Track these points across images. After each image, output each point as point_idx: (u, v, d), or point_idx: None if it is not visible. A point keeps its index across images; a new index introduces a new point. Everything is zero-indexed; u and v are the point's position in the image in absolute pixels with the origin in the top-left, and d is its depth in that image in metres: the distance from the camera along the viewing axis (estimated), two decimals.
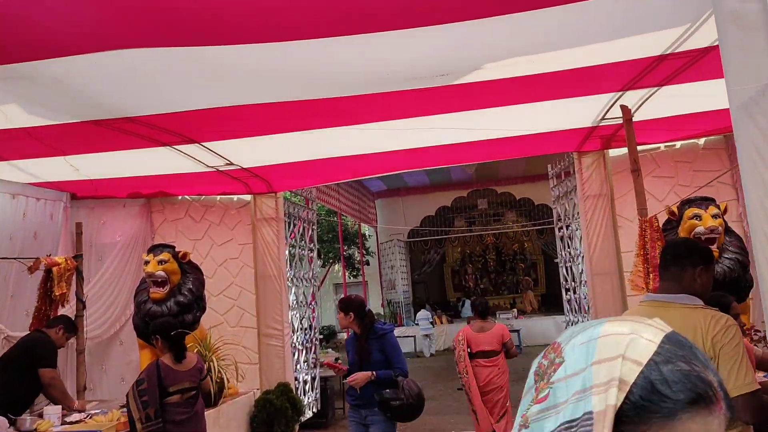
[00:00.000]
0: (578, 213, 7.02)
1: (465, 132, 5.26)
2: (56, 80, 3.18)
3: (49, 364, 4.65)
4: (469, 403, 5.88)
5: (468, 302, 19.72)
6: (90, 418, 4.36)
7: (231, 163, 5.69)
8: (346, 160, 5.93)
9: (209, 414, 5.31)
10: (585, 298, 6.92)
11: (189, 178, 6.29)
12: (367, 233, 21.19)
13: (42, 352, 4.68)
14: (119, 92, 3.49)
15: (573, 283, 7.36)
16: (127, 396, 4.16)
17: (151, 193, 6.97)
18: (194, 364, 4.48)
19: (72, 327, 5.08)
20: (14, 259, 5.25)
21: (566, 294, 7.65)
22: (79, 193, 6.84)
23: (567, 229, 7.43)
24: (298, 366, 7.62)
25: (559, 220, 7.59)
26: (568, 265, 7.46)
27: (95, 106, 3.57)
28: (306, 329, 8.07)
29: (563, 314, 16.45)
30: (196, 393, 4.44)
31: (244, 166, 5.92)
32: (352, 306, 4.39)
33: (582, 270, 6.93)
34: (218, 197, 7.15)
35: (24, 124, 3.77)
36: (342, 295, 20.07)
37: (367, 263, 20.18)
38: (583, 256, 6.81)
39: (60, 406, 4.48)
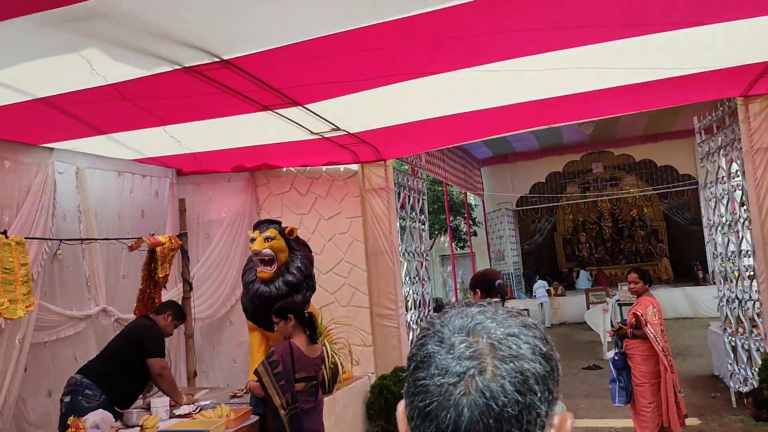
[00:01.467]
0: (737, 171, 5.96)
1: (604, 75, 4.42)
2: (133, 15, 2.72)
3: (157, 354, 4.37)
4: (652, 395, 4.91)
5: (583, 273, 18.55)
6: (199, 411, 4.04)
7: (337, 128, 5.16)
8: (462, 119, 5.23)
9: (325, 400, 4.91)
10: (746, 268, 5.89)
11: (293, 147, 5.84)
12: (473, 203, 20.42)
13: (150, 340, 4.40)
14: (207, 24, 2.98)
15: (725, 251, 6.32)
16: (259, 377, 3.83)
17: (255, 166, 6.62)
18: (320, 352, 4.09)
19: (181, 314, 4.80)
20: (116, 239, 5.02)
21: (719, 263, 6.61)
22: (184, 168, 6.62)
23: (719, 190, 6.36)
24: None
25: (711, 180, 6.52)
26: (723, 231, 6.40)
27: (181, 45, 3.09)
28: (419, 306, 7.54)
29: (694, 285, 15.06)
30: (317, 384, 4.04)
31: (351, 132, 5.37)
32: (477, 282, 3.74)
33: (743, 237, 5.89)
34: (324, 168, 6.69)
35: (113, 78, 3.37)
36: (449, 268, 19.48)
37: (475, 234, 19.42)
38: (745, 221, 5.76)
39: (167, 398, 4.19)
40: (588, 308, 14.10)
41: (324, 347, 5.10)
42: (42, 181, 4.87)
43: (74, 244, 5.21)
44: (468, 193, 18.12)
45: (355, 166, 6.57)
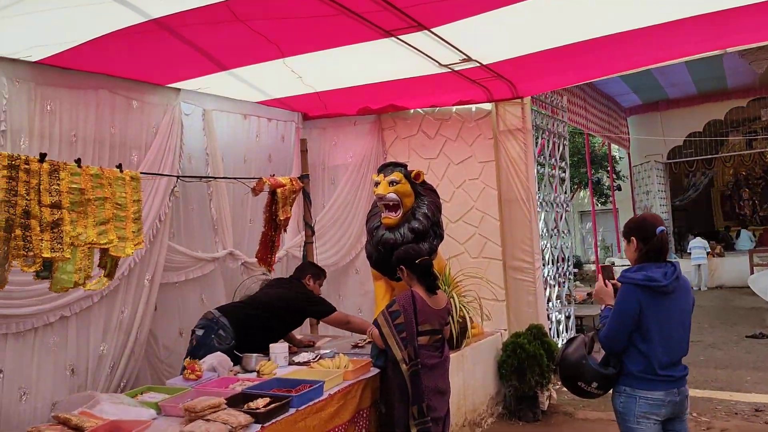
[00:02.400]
0: None
1: None
2: None
3: (330, 309, 4.44)
4: None
5: (744, 233, 16.63)
6: (318, 359, 3.81)
7: (468, 59, 4.62)
8: (614, 41, 4.47)
9: (452, 356, 4.54)
10: None
11: (421, 84, 5.38)
12: (617, 155, 18.87)
13: (313, 306, 4.43)
14: None
15: None
16: (379, 328, 3.58)
17: (381, 108, 6.25)
18: (444, 304, 3.71)
19: (319, 273, 4.75)
20: (235, 179, 4.87)
21: None
22: (310, 112, 6.40)
23: None
24: (550, 304, 6.52)
25: None
26: None
27: None
28: (557, 261, 6.90)
29: None
30: (442, 338, 3.67)
31: (484, 63, 4.80)
32: (632, 228, 2.95)
33: None
34: (454, 108, 6.18)
35: None
36: (589, 224, 18.24)
37: (618, 188, 17.98)
38: None
39: (286, 345, 4.00)
40: (752, 272, 12.66)
41: (452, 300, 4.70)
42: (169, 122, 4.83)
43: (197, 184, 5.15)
44: (612, 145, 16.71)
45: (488, 106, 6.00)
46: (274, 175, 4.95)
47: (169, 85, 4.86)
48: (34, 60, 3.87)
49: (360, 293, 6.47)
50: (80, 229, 2.96)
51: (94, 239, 3.03)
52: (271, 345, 3.93)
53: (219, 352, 3.69)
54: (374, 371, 3.70)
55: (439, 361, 3.63)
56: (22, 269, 2.73)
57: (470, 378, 4.95)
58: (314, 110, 6.34)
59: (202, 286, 5.16)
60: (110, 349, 4.32)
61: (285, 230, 5.00)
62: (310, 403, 3.04)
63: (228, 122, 5.57)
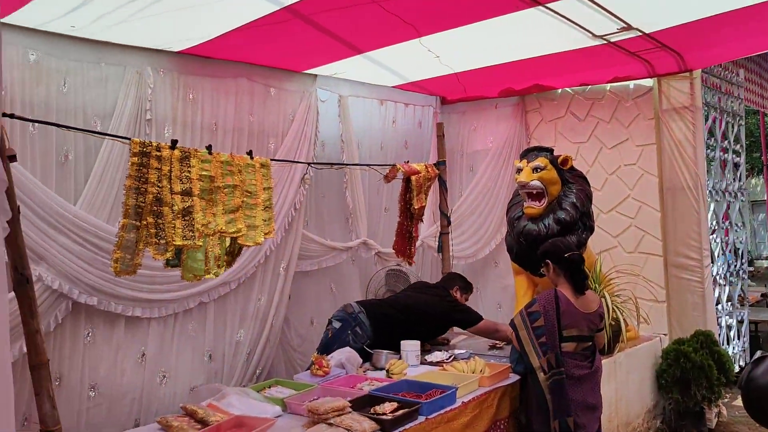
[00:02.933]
0: None
1: None
2: None
3: (475, 320, 4.17)
4: None
5: None
6: (452, 360, 3.53)
7: (628, 27, 4.06)
8: None
9: (603, 363, 4.07)
10: None
11: (570, 60, 4.87)
12: None
13: (460, 313, 4.19)
14: None
15: None
16: (516, 330, 3.26)
17: (525, 89, 5.79)
18: (596, 307, 3.27)
19: (466, 286, 4.55)
20: (369, 165, 4.69)
21: None
22: (448, 95, 6.10)
23: None
24: (719, 306, 5.72)
25: None
26: None
27: None
28: (729, 258, 6.04)
29: None
30: (592, 346, 3.24)
31: (647, 31, 4.20)
32: None
33: None
34: (608, 86, 5.56)
35: None
36: (762, 215, 16.26)
37: None
38: None
39: (418, 342, 3.74)
40: None
41: (603, 300, 4.20)
42: (305, 108, 4.77)
43: (331, 172, 5.05)
44: None
45: (648, 82, 5.32)
46: (408, 161, 4.72)
47: (306, 72, 4.80)
48: (176, 50, 3.93)
49: (499, 287, 6.09)
50: (209, 218, 2.91)
51: (223, 228, 2.98)
52: (402, 342, 3.71)
53: (348, 348, 3.53)
54: (514, 378, 3.36)
55: (588, 372, 3.20)
56: (154, 257, 2.72)
57: (624, 388, 4.42)
58: (453, 93, 6.03)
59: (333, 276, 5.08)
60: (247, 336, 4.35)
61: (421, 220, 4.75)
62: (441, 411, 2.78)
63: (364, 108, 5.43)
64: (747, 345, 6.18)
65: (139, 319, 3.71)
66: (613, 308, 4.27)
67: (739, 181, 6.37)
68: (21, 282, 2.14)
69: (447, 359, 3.59)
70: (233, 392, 2.86)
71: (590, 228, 4.51)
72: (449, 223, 5.06)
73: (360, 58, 4.64)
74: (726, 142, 6.13)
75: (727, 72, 6.11)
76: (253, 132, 4.46)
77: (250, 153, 3.31)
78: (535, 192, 4.41)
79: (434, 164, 4.92)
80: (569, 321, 3.15)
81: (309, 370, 3.31)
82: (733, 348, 5.88)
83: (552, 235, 4.35)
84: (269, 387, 3.12)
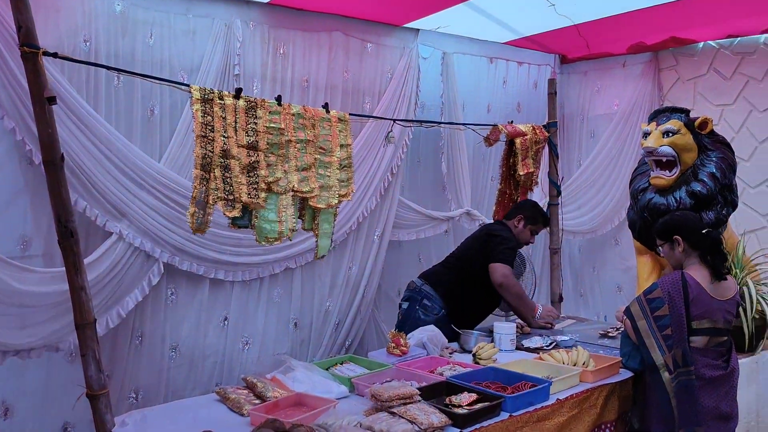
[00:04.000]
0: None
1: None
2: None
3: (499, 258, 3.56)
4: None
5: None
6: (552, 347, 3.07)
7: None
8: None
9: (742, 362, 3.44)
10: None
11: (714, 6, 4.15)
12: None
13: (496, 245, 3.60)
14: None
15: None
16: (632, 319, 2.72)
17: (659, 43, 5.04)
18: (733, 293, 2.69)
19: (535, 217, 3.84)
20: (466, 125, 4.24)
21: None
22: (569, 53, 5.50)
23: None
24: None
25: None
26: None
27: None
28: None
29: None
30: (728, 342, 2.67)
31: None
32: None
33: None
34: (762, 38, 4.68)
35: None
36: None
37: None
38: None
39: (514, 325, 3.31)
40: None
41: (745, 289, 3.53)
42: (405, 66, 4.43)
43: (432, 136, 4.71)
44: None
45: None
46: (512, 122, 4.22)
47: (407, 26, 4.43)
48: (266, 1, 3.72)
49: (620, 269, 5.44)
50: (280, 174, 2.66)
51: (296, 185, 2.72)
52: (496, 324, 3.30)
53: (432, 326, 3.19)
54: (625, 374, 2.84)
55: (723, 373, 2.63)
56: (224, 213, 2.53)
57: (766, 392, 3.73)
58: (574, 51, 5.42)
59: (434, 246, 4.74)
60: (336, 305, 4.15)
61: (531, 189, 4.26)
62: (530, 409, 2.36)
63: (470, 67, 4.99)
64: None
65: (222, 282, 3.60)
66: (758, 299, 3.58)
67: None
68: (65, 235, 2.00)
69: (547, 346, 3.14)
70: (301, 366, 2.63)
71: (733, 204, 3.81)
72: (559, 192, 4.51)
73: (466, 8, 4.20)
74: None
75: None
76: (347, 90, 4.20)
77: (325, 106, 3.02)
78: (664, 160, 3.77)
79: (544, 126, 4.38)
80: (701, 310, 2.59)
81: (386, 349, 3.01)
82: None
83: (685, 210, 3.73)
84: (342, 363, 2.86)
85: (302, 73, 3.96)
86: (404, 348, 2.90)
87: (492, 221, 4.21)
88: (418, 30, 4.50)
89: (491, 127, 3.99)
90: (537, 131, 4.16)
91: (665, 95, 5.24)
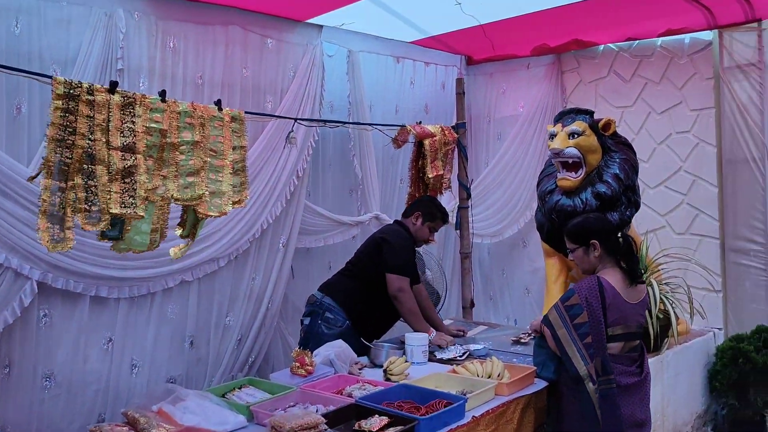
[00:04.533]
0: None
1: None
2: None
3: (395, 268, 3.37)
4: None
5: None
6: (466, 357, 2.94)
7: None
8: None
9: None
10: None
11: (616, 9, 4.20)
12: None
13: (390, 250, 3.41)
14: None
15: None
16: (552, 329, 2.61)
17: (562, 45, 5.09)
18: (643, 295, 2.65)
19: (433, 213, 3.67)
20: (372, 125, 4.07)
21: None
22: (475, 55, 5.46)
23: None
24: None
25: None
26: None
27: None
28: None
29: None
30: (640, 346, 2.63)
31: None
32: None
33: None
34: (659, 41, 4.82)
35: None
36: None
37: None
38: None
39: (426, 336, 3.16)
40: None
41: (649, 289, 3.57)
42: (309, 64, 4.20)
43: (338, 137, 4.52)
44: None
45: (707, 35, 4.57)
46: (421, 122, 4.09)
47: (310, 21, 4.21)
48: None
49: (528, 271, 5.46)
50: (157, 181, 2.35)
51: (175, 194, 2.42)
52: (407, 335, 3.14)
53: (339, 341, 2.98)
54: (540, 384, 2.75)
55: (638, 380, 2.59)
56: (83, 227, 2.19)
57: (671, 391, 3.79)
58: (480, 52, 5.39)
59: (345, 252, 4.54)
60: (237, 320, 3.85)
61: (441, 192, 4.13)
62: (445, 430, 2.21)
63: (377, 66, 4.84)
64: None
65: (105, 299, 3.22)
66: (661, 298, 3.63)
67: None
68: None
69: (461, 356, 3.01)
70: (192, 395, 2.34)
71: (636, 204, 3.86)
72: (469, 195, 4.43)
73: (371, 5, 4.04)
74: None
75: None
76: (246, 88, 3.93)
77: (218, 103, 2.74)
78: (570, 161, 3.77)
79: (452, 127, 4.28)
80: (616, 316, 2.53)
81: (290, 369, 2.77)
82: None
83: (590, 212, 3.73)
84: (240, 388, 2.59)
85: (195, 69, 3.65)
86: (310, 367, 2.67)
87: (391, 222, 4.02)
88: (322, 26, 4.29)
89: (399, 127, 3.83)
90: (446, 132, 4.05)
91: (568, 97, 5.31)
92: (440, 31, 4.79)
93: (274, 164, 3.94)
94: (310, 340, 3.26)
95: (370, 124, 4.12)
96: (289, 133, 3.41)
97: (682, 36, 4.68)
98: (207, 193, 2.51)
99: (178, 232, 2.76)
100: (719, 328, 4.41)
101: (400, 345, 3.16)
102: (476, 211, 5.11)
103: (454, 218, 4.53)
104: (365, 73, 4.66)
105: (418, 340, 3.04)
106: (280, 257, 4.06)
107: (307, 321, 3.41)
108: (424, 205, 3.73)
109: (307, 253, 4.38)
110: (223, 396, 2.51)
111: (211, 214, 2.55)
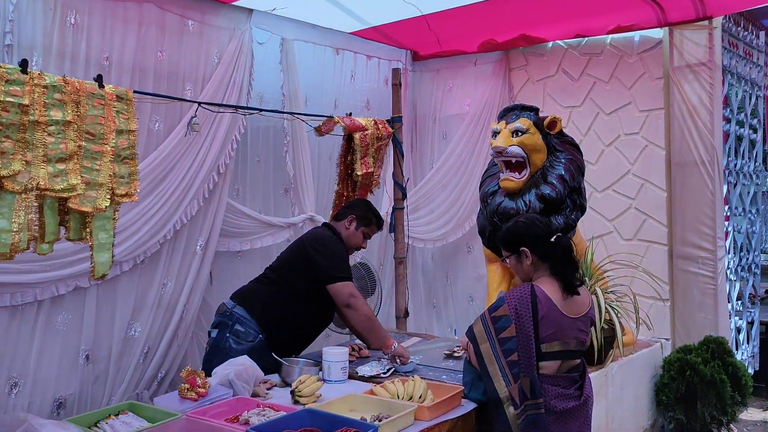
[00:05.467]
0: None
1: None
2: None
3: (336, 275, 3.02)
4: None
5: None
6: (390, 373, 2.63)
7: None
8: None
9: (592, 377, 3.21)
10: None
11: (565, 4, 3.97)
12: None
13: (324, 256, 3.05)
14: None
15: None
16: (474, 342, 2.31)
17: (510, 41, 4.85)
18: (586, 308, 2.37)
19: (369, 218, 3.33)
20: (293, 114, 3.73)
21: None
22: (421, 50, 5.19)
23: None
24: (729, 306, 4.86)
25: None
26: None
27: None
28: (743, 250, 5.18)
29: None
30: (581, 366, 2.34)
31: None
32: None
33: None
34: (609, 38, 4.62)
35: None
36: None
37: None
38: None
39: (346, 351, 2.82)
40: None
41: (594, 298, 3.33)
42: (236, 50, 3.84)
43: (271, 131, 4.18)
44: None
45: (658, 33, 4.39)
46: (351, 114, 3.77)
47: (237, 4, 3.86)
48: None
49: (473, 277, 5.20)
50: (17, 166, 1.97)
51: (44, 182, 2.04)
52: (324, 349, 2.79)
53: (244, 357, 2.61)
54: (468, 406, 2.45)
55: (577, 404, 2.29)
56: None
57: (616, 406, 3.56)
58: (426, 47, 5.12)
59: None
60: (144, 330, 3.45)
61: (372, 191, 3.80)
62: None
63: (315, 57, 4.51)
64: (757, 350, 5.34)
65: None
66: (606, 308, 3.39)
67: (755, 161, 5.49)
68: None
69: (384, 372, 2.70)
70: (50, 425, 1.96)
71: (581, 208, 3.64)
72: (405, 196, 4.12)
73: None
74: (743, 114, 5.23)
75: (747, 33, 5.20)
76: (161, 73, 3.55)
77: (98, 78, 2.36)
78: (514, 161, 3.52)
79: (388, 121, 3.97)
80: (551, 330, 2.24)
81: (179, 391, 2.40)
82: (742, 354, 5.04)
83: (525, 214, 3.48)
84: (116, 414, 2.21)
85: (101, 50, 3.25)
86: (202, 389, 2.30)
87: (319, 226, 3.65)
88: (252, 10, 3.94)
89: (326, 117, 3.50)
90: (379, 126, 3.74)
91: (515, 96, 5.08)
92: (382, 22, 4.50)
93: (191, 158, 3.57)
94: (216, 355, 2.89)
95: (291, 113, 3.76)
96: (192, 118, 3.03)
97: (632, 33, 4.49)
98: (79, 183, 2.13)
99: (66, 234, 2.37)
100: (666, 339, 4.22)
101: (318, 361, 2.82)
102: (420, 214, 4.87)
103: (389, 220, 4.21)
104: (301, 63, 4.33)
105: (336, 355, 2.70)
106: (197, 261, 3.68)
107: (214, 333, 3.03)
108: (360, 208, 3.39)
109: (236, 256, 4.01)
110: (95, 425, 2.13)
111: (84, 209, 2.16)
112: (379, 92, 4.98)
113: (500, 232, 2.57)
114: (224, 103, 3.67)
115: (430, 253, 5.24)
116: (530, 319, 2.19)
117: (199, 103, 3.13)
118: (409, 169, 5.20)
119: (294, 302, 3.05)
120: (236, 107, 3.41)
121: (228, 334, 2.94)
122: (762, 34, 5.57)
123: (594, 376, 3.31)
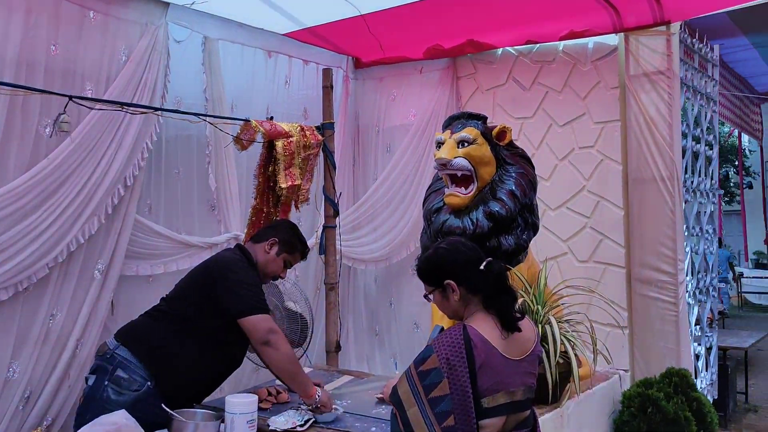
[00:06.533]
0: None
1: None
2: None
3: (255, 308, 2.53)
4: None
5: None
6: (309, 425, 2.18)
7: None
8: None
9: (545, 419, 2.85)
10: None
11: (515, 8, 3.67)
12: (747, 148, 16.24)
13: (234, 286, 2.54)
14: None
15: None
16: (399, 407, 1.88)
17: (457, 47, 4.52)
18: (532, 345, 1.96)
19: (293, 244, 2.84)
20: (200, 116, 3.27)
21: None
22: (362, 56, 4.83)
23: None
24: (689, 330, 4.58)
25: None
26: None
27: None
28: (700, 272, 4.93)
29: None
30: (531, 418, 1.93)
31: None
32: None
33: None
34: (561, 45, 4.32)
35: None
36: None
37: (749, 186, 15.35)
38: None
39: (255, 399, 2.35)
40: None
41: (547, 328, 2.97)
42: (148, 47, 3.40)
43: (192, 142, 3.73)
44: (743, 136, 14.12)
45: (613, 39, 4.12)
46: (272, 118, 3.34)
47: None
48: None
49: (418, 303, 4.76)
50: None
51: None
52: (227, 398, 2.31)
53: (121, 412, 2.12)
54: None
55: None
56: None
57: None
58: (368, 53, 4.77)
59: None
60: (25, 371, 2.92)
61: (297, 207, 3.35)
62: None
63: (243, 59, 4.11)
64: (715, 377, 5.08)
65: None
66: (561, 339, 3.02)
67: (712, 178, 5.28)
68: None
69: (302, 425, 2.24)
70: None
71: (534, 227, 3.32)
72: (337, 213, 3.69)
73: None
74: (697, 129, 5.02)
75: (702, 45, 5.01)
76: (55, 70, 3.07)
77: None
78: (460, 174, 3.19)
79: (317, 127, 3.55)
80: (493, 381, 1.81)
81: None
82: (701, 382, 4.76)
83: (481, 235, 3.11)
84: None
85: None
86: None
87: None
88: (168, 3, 3.50)
89: (244, 121, 3.05)
90: (307, 133, 3.30)
91: (464, 106, 4.74)
92: (316, 22, 4.11)
93: (91, 168, 3.10)
94: (91, 407, 2.37)
95: (197, 114, 3.27)
96: (59, 115, 2.54)
97: (586, 40, 4.21)
98: None
99: None
100: (625, 370, 3.89)
101: (220, 412, 2.34)
102: (362, 233, 4.49)
103: (319, 240, 3.77)
104: (227, 66, 3.93)
105: (241, 406, 2.22)
106: (95, 287, 3.18)
107: (91, 381, 2.50)
108: (285, 231, 2.90)
109: (147, 282, 3.51)
110: None
111: None
112: (318, 100, 4.53)
113: (418, 262, 2.15)
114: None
115: (373, 275, 4.84)
116: (465, 369, 1.76)
117: (71, 97, 2.64)
118: (351, 185, 4.82)
119: (192, 339, 2.54)
120: (122, 104, 2.92)
121: (107, 382, 2.42)
122: (717, 47, 5.40)
123: (548, 418, 2.94)
